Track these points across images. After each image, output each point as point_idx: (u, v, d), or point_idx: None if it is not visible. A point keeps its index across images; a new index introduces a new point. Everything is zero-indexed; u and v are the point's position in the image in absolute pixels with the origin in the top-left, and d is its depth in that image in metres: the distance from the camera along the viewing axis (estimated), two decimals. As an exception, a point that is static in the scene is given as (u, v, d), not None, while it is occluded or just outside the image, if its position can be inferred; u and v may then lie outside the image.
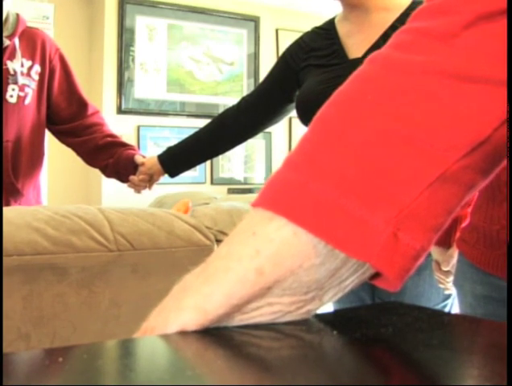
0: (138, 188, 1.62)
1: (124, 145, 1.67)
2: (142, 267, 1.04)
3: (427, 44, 0.37)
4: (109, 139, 1.65)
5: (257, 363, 0.30)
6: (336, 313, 0.41)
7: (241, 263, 0.34)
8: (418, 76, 0.36)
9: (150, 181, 1.58)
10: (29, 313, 0.93)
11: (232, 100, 1.83)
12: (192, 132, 1.54)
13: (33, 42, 1.53)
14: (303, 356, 0.31)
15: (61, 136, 1.68)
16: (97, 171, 1.72)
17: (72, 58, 1.68)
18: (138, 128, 3.59)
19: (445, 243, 1.15)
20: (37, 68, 1.53)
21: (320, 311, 0.38)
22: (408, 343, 0.33)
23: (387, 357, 0.32)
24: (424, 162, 0.35)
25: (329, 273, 0.36)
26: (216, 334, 0.34)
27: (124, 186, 1.66)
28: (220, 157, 3.64)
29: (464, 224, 0.94)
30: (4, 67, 1.46)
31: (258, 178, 3.98)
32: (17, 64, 1.48)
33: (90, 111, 1.67)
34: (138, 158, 1.59)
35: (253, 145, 3.91)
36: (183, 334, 0.34)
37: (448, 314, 0.43)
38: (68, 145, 1.69)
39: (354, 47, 1.21)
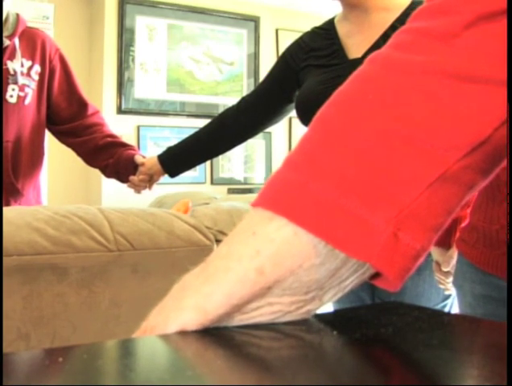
0: (138, 188, 1.62)
1: (124, 145, 1.67)
2: (142, 267, 1.04)
3: (428, 44, 0.37)
4: (109, 139, 1.65)
5: (257, 363, 0.30)
6: (336, 313, 0.41)
7: (241, 263, 0.34)
8: (418, 76, 0.36)
9: (150, 181, 1.58)
10: (29, 313, 0.93)
11: (232, 100, 1.83)
12: (192, 132, 1.54)
13: (33, 42, 1.53)
14: (303, 356, 0.31)
15: (61, 136, 1.68)
16: (96, 171, 1.72)
17: (72, 58, 1.68)
18: (138, 128, 3.59)
19: (445, 243, 1.15)
20: (37, 68, 1.53)
21: (319, 311, 0.38)
22: (408, 343, 0.33)
23: (387, 357, 0.32)
24: (424, 161, 0.35)
25: (329, 273, 0.36)
26: (216, 334, 0.34)
27: (124, 186, 1.66)
28: (220, 157, 3.64)
29: (463, 224, 0.94)
30: (4, 67, 1.46)
31: (258, 178, 3.98)
32: (17, 64, 1.48)
33: (90, 111, 1.67)
34: (138, 158, 1.59)
35: (253, 145, 3.91)
36: (183, 333, 0.34)
37: (448, 314, 0.43)
38: (68, 145, 1.69)
39: (354, 47, 1.21)
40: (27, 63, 1.51)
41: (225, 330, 0.35)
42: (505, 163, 0.39)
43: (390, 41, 0.40)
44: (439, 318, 0.39)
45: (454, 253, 1.11)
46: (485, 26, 0.36)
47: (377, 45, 1.15)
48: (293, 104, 1.34)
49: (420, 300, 1.23)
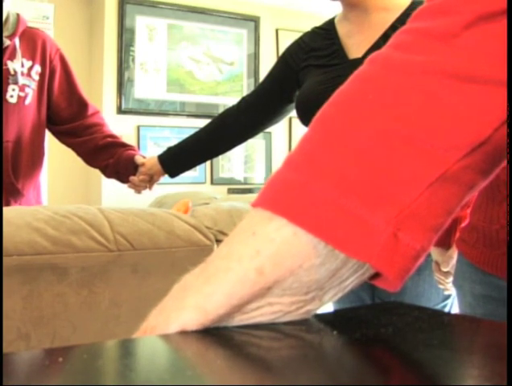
0: (138, 188, 1.62)
1: (124, 145, 1.67)
2: (142, 267, 1.04)
3: (428, 44, 0.37)
4: (109, 139, 1.65)
5: (257, 363, 0.30)
6: (336, 313, 0.41)
7: (241, 263, 0.34)
8: (418, 76, 0.36)
9: (150, 181, 1.58)
10: (29, 313, 0.93)
11: (232, 100, 1.83)
12: (192, 132, 1.54)
13: (33, 42, 1.53)
14: (303, 356, 0.31)
15: (61, 136, 1.68)
16: (96, 171, 1.72)
17: (72, 58, 1.68)
18: (138, 128, 3.59)
19: (445, 243, 1.15)
20: (37, 68, 1.53)
21: (319, 311, 0.38)
22: (408, 343, 0.33)
23: (387, 357, 0.32)
24: (425, 162, 0.35)
25: (329, 273, 0.36)
26: (216, 334, 0.34)
27: (124, 186, 1.66)
28: (220, 157, 3.64)
29: (463, 224, 0.94)
30: (4, 67, 1.46)
31: (258, 178, 3.98)
32: (17, 64, 1.48)
33: (90, 111, 1.67)
34: (139, 159, 1.59)
35: (253, 145, 3.91)
36: (183, 334, 0.34)
37: (448, 314, 0.43)
38: (68, 145, 1.69)
39: (354, 47, 1.21)
40: (28, 64, 1.51)
41: (225, 330, 0.35)
42: (505, 163, 0.39)
43: (390, 41, 0.40)
44: (439, 318, 0.39)
45: (454, 253, 1.11)
46: (485, 27, 0.36)
47: (377, 45, 1.15)
48: (293, 104, 1.34)
49: (420, 300, 1.23)
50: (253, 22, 3.96)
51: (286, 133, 4.06)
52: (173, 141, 1.63)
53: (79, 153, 1.69)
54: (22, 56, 1.50)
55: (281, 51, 2.88)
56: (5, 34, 1.46)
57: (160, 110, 3.67)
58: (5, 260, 0.90)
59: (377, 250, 0.34)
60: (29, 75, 1.51)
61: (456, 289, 0.97)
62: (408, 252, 0.35)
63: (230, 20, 3.88)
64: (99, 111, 1.72)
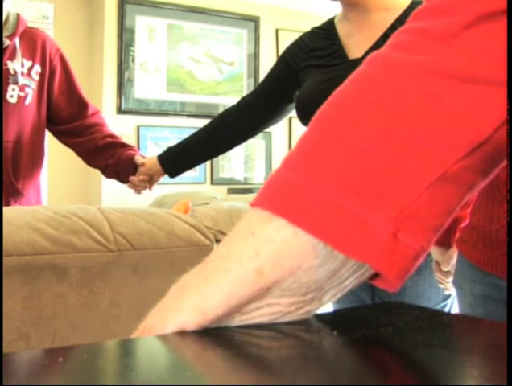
0: (138, 188, 1.62)
1: (124, 145, 1.67)
2: (142, 267, 1.04)
3: (427, 44, 0.37)
4: (109, 139, 1.65)
5: (256, 363, 0.30)
6: (336, 313, 0.41)
7: (240, 263, 0.34)
8: (418, 76, 0.36)
9: (150, 181, 1.58)
10: (29, 313, 0.93)
11: (232, 100, 1.83)
12: (192, 132, 1.54)
13: (33, 42, 1.53)
14: (303, 356, 0.31)
15: (61, 136, 1.68)
16: (96, 171, 1.72)
17: (72, 58, 1.68)
18: (138, 128, 3.59)
19: (445, 243, 1.15)
20: (37, 68, 1.53)
21: (319, 311, 0.38)
22: (408, 343, 0.33)
23: (387, 357, 0.32)
24: (424, 162, 0.35)
25: (328, 273, 0.35)
26: (215, 334, 0.34)
27: (124, 186, 1.66)
28: (220, 157, 3.64)
29: (463, 224, 0.94)
30: (4, 67, 1.46)
31: (258, 178, 3.98)
32: (17, 64, 1.48)
33: (90, 111, 1.67)
34: (138, 159, 1.59)
35: (253, 145, 3.91)
36: (182, 334, 0.34)
37: (448, 314, 0.43)
38: (68, 145, 1.69)
39: (354, 47, 1.21)
40: (28, 64, 1.51)
41: (225, 330, 0.35)
42: (504, 163, 0.39)
43: (390, 41, 0.40)
44: (439, 318, 0.39)
45: (454, 253, 1.11)
46: (484, 27, 0.36)
47: (377, 45, 1.15)
48: (293, 104, 1.34)
49: (420, 300, 1.23)
50: (253, 22, 3.96)
51: (286, 133, 4.06)
52: (173, 141, 1.63)
53: (79, 154, 1.69)
54: (22, 56, 1.50)
55: (281, 51, 2.88)
56: (5, 34, 1.46)
57: (160, 110, 3.67)
58: (5, 260, 0.90)
59: (376, 250, 0.34)
60: (29, 75, 1.51)
61: (456, 289, 0.97)
62: (408, 253, 0.35)
63: (230, 20, 3.88)
64: (99, 111, 1.72)
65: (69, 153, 1.73)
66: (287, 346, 0.34)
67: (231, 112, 1.47)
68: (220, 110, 2.40)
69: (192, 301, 0.34)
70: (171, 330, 0.34)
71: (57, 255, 0.95)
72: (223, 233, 1.14)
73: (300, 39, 1.34)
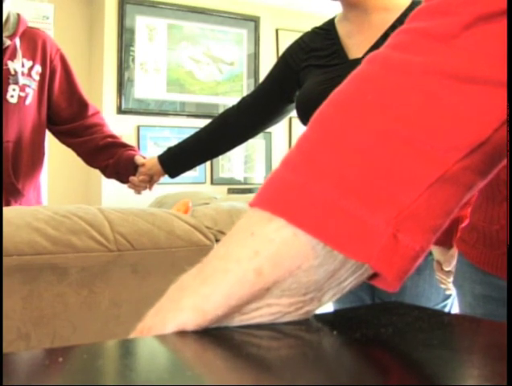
0: (138, 189, 1.62)
1: (124, 145, 1.67)
2: (142, 267, 1.04)
3: (427, 45, 0.37)
4: (109, 140, 1.65)
5: (256, 363, 0.30)
6: (336, 313, 0.41)
7: (239, 264, 0.34)
8: (417, 77, 0.36)
9: (150, 181, 1.58)
10: (29, 313, 0.93)
11: (232, 100, 1.83)
12: (192, 132, 1.54)
13: (34, 42, 1.53)
14: (303, 356, 0.31)
15: (61, 136, 1.68)
16: (96, 171, 1.72)
17: (72, 58, 1.68)
18: (138, 128, 3.59)
19: (446, 243, 1.15)
20: (38, 68, 1.53)
21: (319, 311, 0.38)
22: (408, 343, 0.33)
23: (387, 357, 0.32)
24: (424, 162, 0.35)
25: (328, 274, 0.35)
26: (215, 334, 0.34)
27: (124, 186, 1.66)
28: (220, 157, 3.64)
29: (463, 224, 0.94)
30: (5, 67, 1.46)
31: (258, 178, 3.98)
32: (18, 64, 1.48)
33: (91, 111, 1.67)
34: (139, 159, 1.59)
35: (254, 145, 3.91)
36: (182, 334, 0.34)
37: (448, 314, 0.43)
38: (69, 145, 1.69)
39: (354, 47, 1.21)
40: (28, 64, 1.51)
41: (225, 330, 0.35)
42: (504, 163, 0.39)
43: (389, 41, 0.40)
44: (439, 318, 0.39)
45: (455, 252, 1.11)
46: (483, 27, 0.36)
47: (377, 45, 1.15)
48: (293, 105, 1.34)
49: (420, 300, 1.23)
50: (253, 22, 3.96)
51: (286, 133, 4.06)
52: (173, 141, 1.63)
53: (79, 154, 1.69)
54: (23, 56, 1.50)
55: (281, 51, 2.88)
56: (5, 34, 1.46)
57: (160, 110, 3.67)
58: (5, 260, 0.90)
59: (376, 251, 0.34)
60: (29, 75, 1.51)
61: (456, 289, 0.97)
62: (407, 253, 0.35)
63: (230, 20, 3.88)
64: (99, 111, 1.72)
65: (69, 153, 1.73)
66: (287, 346, 0.34)
67: (231, 113, 1.47)
68: (221, 110, 2.41)
69: (192, 301, 0.34)
70: (170, 331, 0.34)
71: (57, 255, 0.95)
72: (223, 233, 1.14)
73: (301, 39, 1.34)
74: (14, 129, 1.49)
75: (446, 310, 1.27)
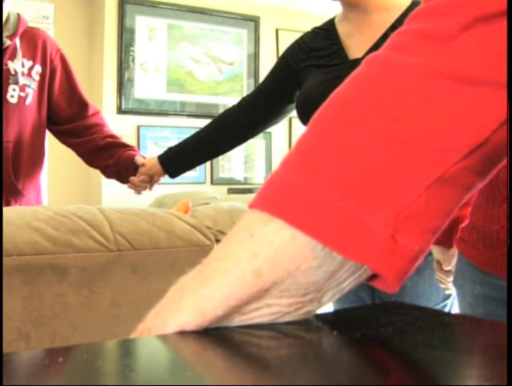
0: (138, 189, 1.62)
1: (124, 145, 1.67)
2: (142, 267, 1.04)
3: (425, 46, 0.37)
4: (109, 140, 1.66)
5: (256, 363, 0.30)
6: (336, 313, 0.41)
7: (238, 265, 0.34)
8: (416, 78, 0.36)
9: (150, 182, 1.58)
10: (29, 313, 0.93)
11: (232, 100, 1.83)
12: (192, 132, 1.54)
13: (34, 42, 1.53)
14: (303, 356, 0.31)
15: (61, 136, 1.68)
16: (97, 171, 1.72)
17: (72, 58, 1.68)
18: (138, 128, 3.59)
19: (446, 242, 1.15)
20: (38, 68, 1.53)
21: (319, 311, 0.38)
22: (408, 343, 0.33)
23: (387, 357, 0.32)
24: (423, 163, 0.35)
25: (327, 275, 0.36)
26: (215, 334, 0.34)
27: (124, 186, 1.66)
28: (220, 157, 3.64)
29: (463, 224, 0.94)
30: (5, 67, 1.46)
31: (258, 178, 3.98)
32: (18, 64, 1.48)
33: (91, 111, 1.67)
34: (139, 159, 1.59)
35: (254, 145, 3.91)
36: (182, 334, 0.34)
37: (448, 314, 0.43)
38: (69, 145, 1.69)
39: (355, 47, 1.21)
40: (28, 64, 1.51)
41: (224, 330, 0.35)
42: (503, 163, 0.39)
43: (388, 42, 0.40)
44: (439, 318, 0.39)
45: (455, 252, 1.11)
46: (482, 28, 0.36)
47: (377, 45, 1.15)
48: (293, 105, 1.34)
49: (420, 300, 1.23)
50: (253, 22, 3.96)
51: (286, 133, 4.06)
52: (173, 141, 1.63)
53: (79, 154, 1.69)
54: (23, 56, 1.50)
55: (281, 51, 2.88)
56: (5, 34, 1.46)
57: (160, 110, 3.67)
58: (5, 260, 0.90)
59: (375, 252, 0.34)
60: (29, 75, 1.51)
61: (456, 288, 0.97)
62: (406, 254, 0.35)
63: (230, 20, 3.88)
64: (99, 111, 1.72)
65: (69, 153, 1.73)
66: (287, 345, 0.34)
67: (231, 113, 1.47)
68: (221, 110, 2.41)
69: (191, 302, 0.34)
70: (170, 331, 0.34)
71: (57, 255, 0.95)
72: (223, 233, 1.14)
73: (301, 39, 1.34)
74: (14, 129, 1.49)
75: (446, 310, 1.27)
